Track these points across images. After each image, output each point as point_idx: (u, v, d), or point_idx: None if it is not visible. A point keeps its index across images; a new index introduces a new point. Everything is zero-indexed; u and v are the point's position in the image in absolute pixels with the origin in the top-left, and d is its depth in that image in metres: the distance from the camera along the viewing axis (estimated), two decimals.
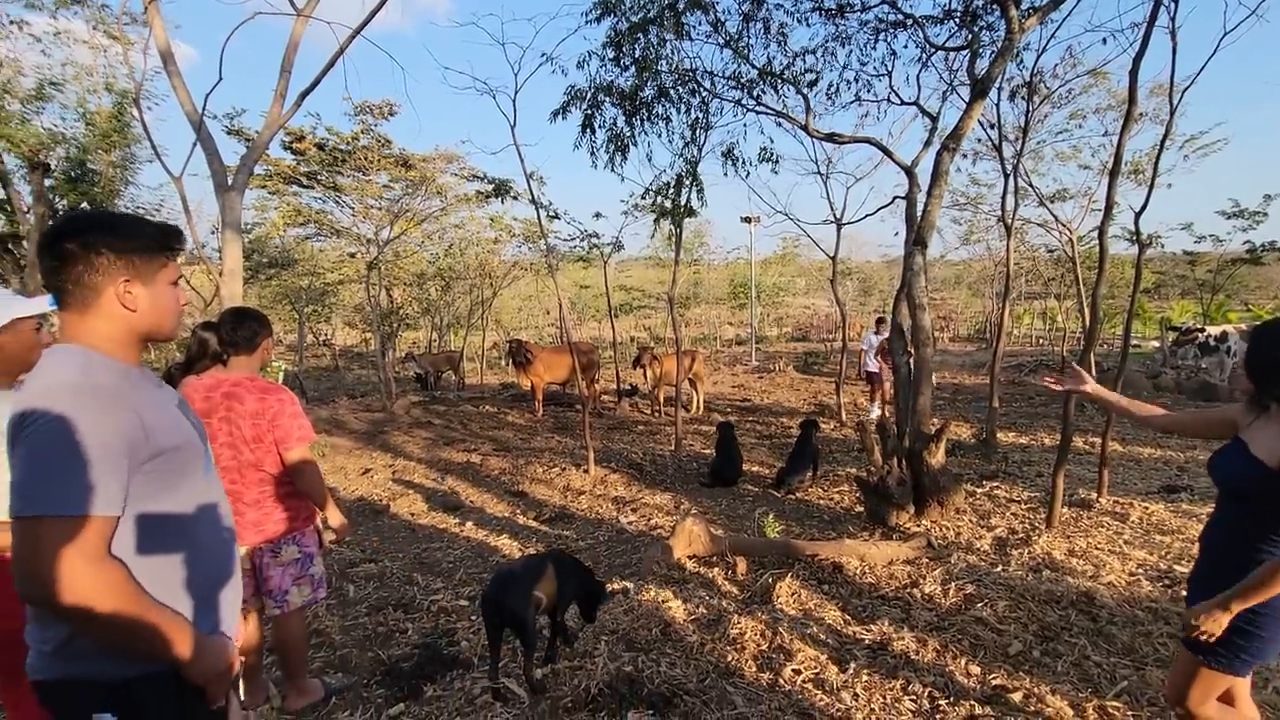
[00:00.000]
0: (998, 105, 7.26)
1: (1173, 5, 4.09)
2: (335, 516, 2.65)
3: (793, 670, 2.75)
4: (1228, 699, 1.88)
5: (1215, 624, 1.65)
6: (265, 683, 2.79)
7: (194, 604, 1.24)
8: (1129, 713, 2.43)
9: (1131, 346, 5.53)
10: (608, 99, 6.24)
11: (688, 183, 7.02)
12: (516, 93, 6.26)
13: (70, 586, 1.03)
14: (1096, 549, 4.03)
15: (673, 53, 6.07)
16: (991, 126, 7.69)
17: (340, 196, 12.99)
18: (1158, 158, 4.89)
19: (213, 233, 9.58)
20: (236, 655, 1.31)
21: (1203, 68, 4.64)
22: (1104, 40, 5.74)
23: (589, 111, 6.32)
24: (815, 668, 2.78)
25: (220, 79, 5.24)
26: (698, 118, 6.66)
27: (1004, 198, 7.68)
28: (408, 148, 12.41)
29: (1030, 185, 9.59)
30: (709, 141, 7.07)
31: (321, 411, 10.59)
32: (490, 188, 8.76)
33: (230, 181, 4.42)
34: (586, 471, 6.90)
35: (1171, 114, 4.79)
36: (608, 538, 5.11)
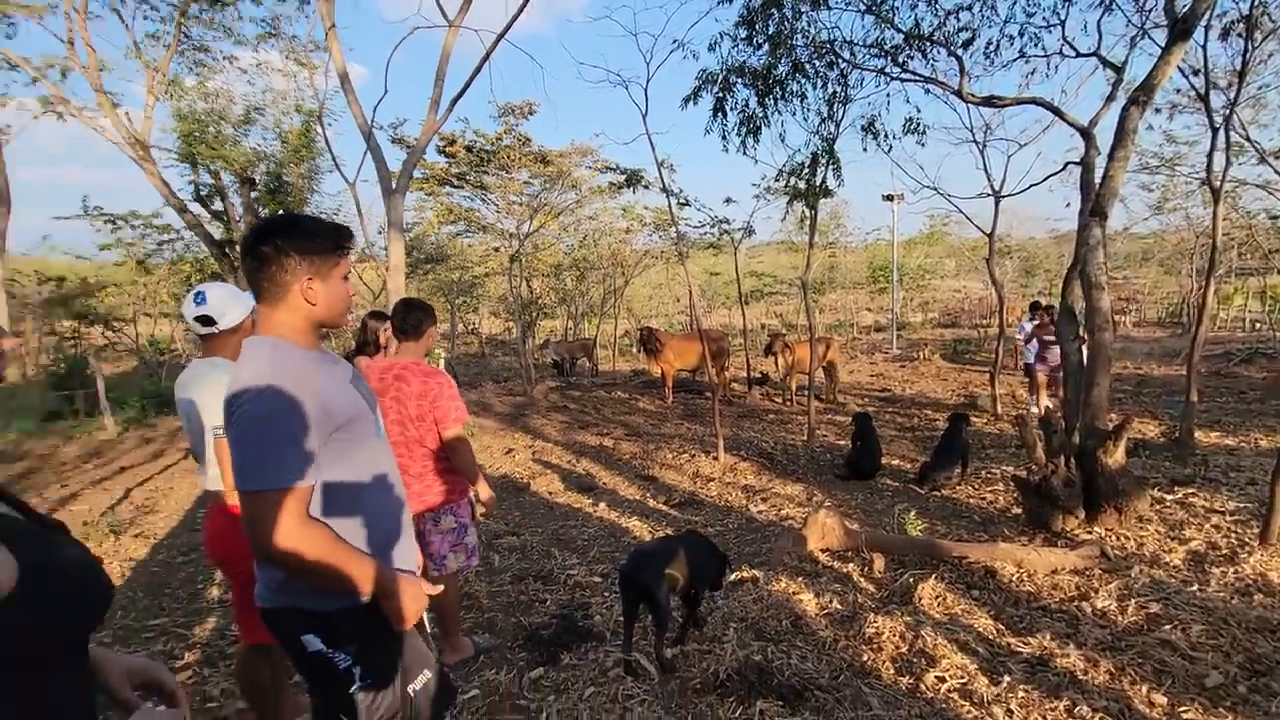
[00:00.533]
0: (1204, 47, 6.14)
1: None
2: (485, 491, 2.87)
3: (936, 677, 2.57)
4: None
5: None
6: (427, 636, 3.10)
7: (371, 554, 1.41)
8: None
9: None
10: (739, 80, 6.10)
11: (823, 161, 6.70)
12: (648, 82, 6.32)
13: (285, 545, 1.23)
14: None
15: (809, 25, 5.79)
16: (1195, 73, 6.55)
17: (486, 194, 13.93)
18: None
19: (379, 232, 10.67)
20: (424, 593, 1.48)
21: None
22: None
23: (720, 94, 6.22)
24: (962, 677, 2.58)
25: (386, 92, 5.81)
26: (835, 91, 6.32)
27: (1210, 156, 6.52)
28: (545, 144, 13.02)
29: (1247, 140, 8.06)
30: (847, 116, 6.70)
31: (470, 395, 11.48)
32: (622, 178, 8.94)
33: (394, 185, 4.90)
34: (716, 459, 6.88)
35: None
36: (737, 525, 5.07)
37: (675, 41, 6.11)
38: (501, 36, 5.08)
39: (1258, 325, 18.52)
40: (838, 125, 6.60)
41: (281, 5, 9.87)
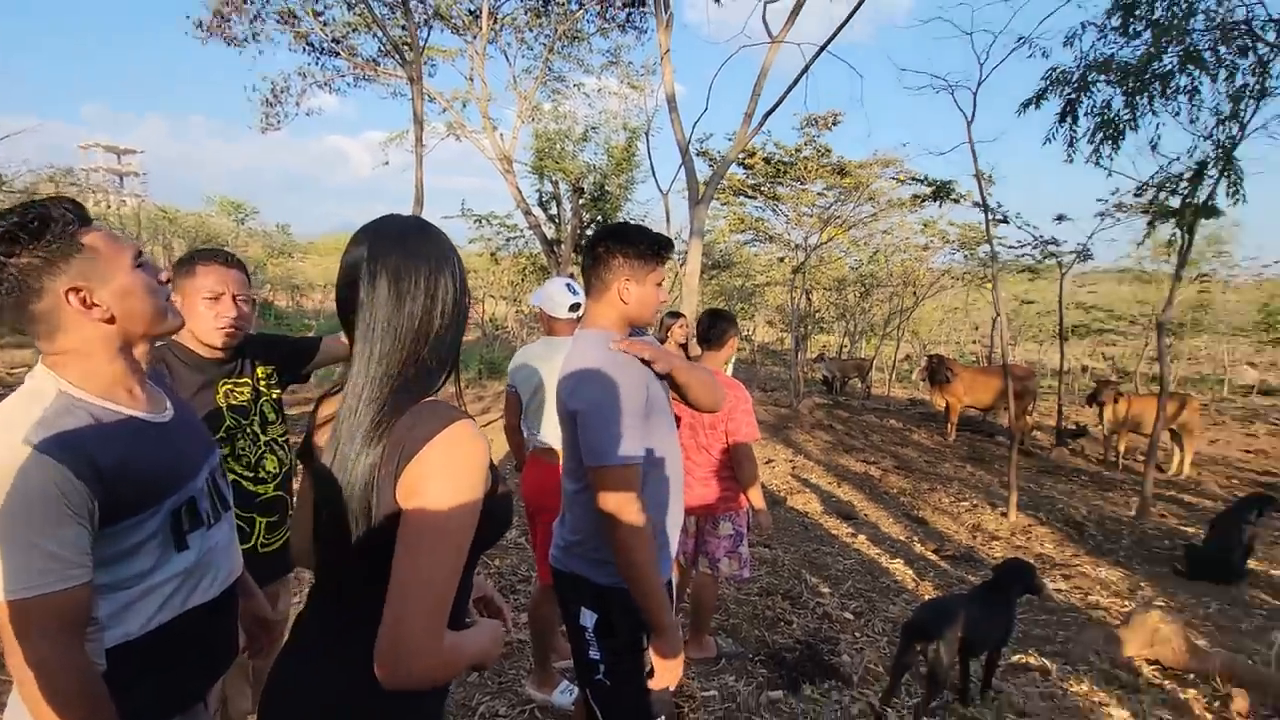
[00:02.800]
0: None
1: None
2: (758, 500, 2.88)
3: None
4: None
5: None
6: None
7: (655, 527, 1.51)
8: None
9: None
10: (1101, 77, 5.09)
11: (1215, 172, 5.24)
12: (979, 85, 5.67)
13: (623, 516, 1.38)
14: None
15: (1217, 3, 4.57)
16: None
17: (778, 205, 14.04)
18: None
19: (677, 236, 11.49)
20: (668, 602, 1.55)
21: None
22: None
23: (1073, 95, 5.27)
24: None
25: (706, 109, 6.25)
26: (1246, 84, 4.89)
27: None
28: (845, 155, 12.60)
29: None
30: (1259, 115, 5.13)
31: None
32: (928, 190, 8.19)
33: (700, 196, 5.23)
34: (1005, 514, 5.95)
35: None
36: (1024, 600, 4.31)
37: (1020, 38, 5.37)
38: (823, 49, 5.04)
39: None
40: (1243, 126, 5.10)
41: (623, 36, 11.19)
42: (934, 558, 5.04)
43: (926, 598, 4.13)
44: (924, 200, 11.15)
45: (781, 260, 16.09)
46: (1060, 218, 7.22)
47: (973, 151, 5.63)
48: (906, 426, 10.82)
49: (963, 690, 2.71)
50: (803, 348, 16.09)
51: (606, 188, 11.06)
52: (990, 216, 6.53)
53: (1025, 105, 5.42)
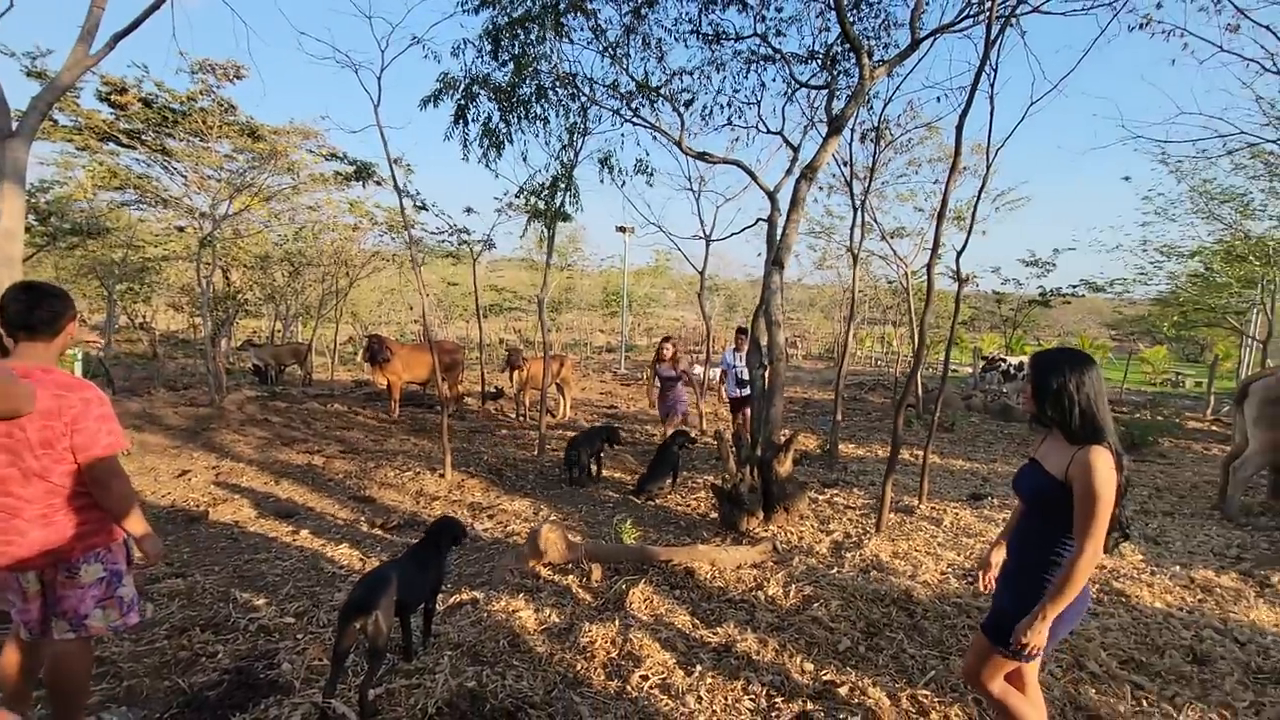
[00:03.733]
0: (850, 145, 7.95)
1: (993, 73, 4.70)
2: (138, 527, 2.24)
3: (640, 676, 2.76)
4: (1018, 680, 2.13)
5: (1039, 636, 1.84)
6: None
7: None
8: (935, 699, 2.69)
9: (950, 371, 6.25)
10: (483, 91, 6.02)
11: (563, 186, 6.95)
12: (383, 70, 5.85)
13: None
14: (915, 551, 4.47)
15: (553, 53, 5.99)
16: (845, 164, 8.40)
17: (170, 162, 11.46)
18: (975, 207, 5.57)
19: None
20: None
21: (1013, 130, 5.39)
22: (938, 99, 6.52)
23: (462, 102, 6.05)
24: (662, 673, 2.81)
25: (11, 5, 4.38)
26: (576, 122, 6.62)
27: (852, 230, 8.41)
28: (256, 117, 11.22)
29: (874, 221, 10.60)
30: (586, 147, 7.07)
31: (132, 405, 9.20)
32: (350, 169, 8.10)
33: (15, 127, 3.69)
34: (442, 476, 6.57)
35: (988, 169, 5.51)
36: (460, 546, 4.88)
37: (415, 37, 5.78)
38: None
39: (878, 362, 24.40)
40: (577, 154, 6.92)
41: None
42: (381, 532, 5.14)
43: None
44: (348, 179, 11.00)
45: (182, 230, 13.29)
46: (469, 210, 8.32)
47: (382, 136, 5.82)
48: (352, 409, 10.66)
49: (406, 647, 2.85)
50: (225, 334, 13.81)
51: None
52: (409, 202, 6.94)
53: (425, 102, 5.94)
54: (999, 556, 2.23)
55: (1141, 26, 5.24)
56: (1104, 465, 1.77)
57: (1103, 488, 1.75)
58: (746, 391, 7.42)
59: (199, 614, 3.43)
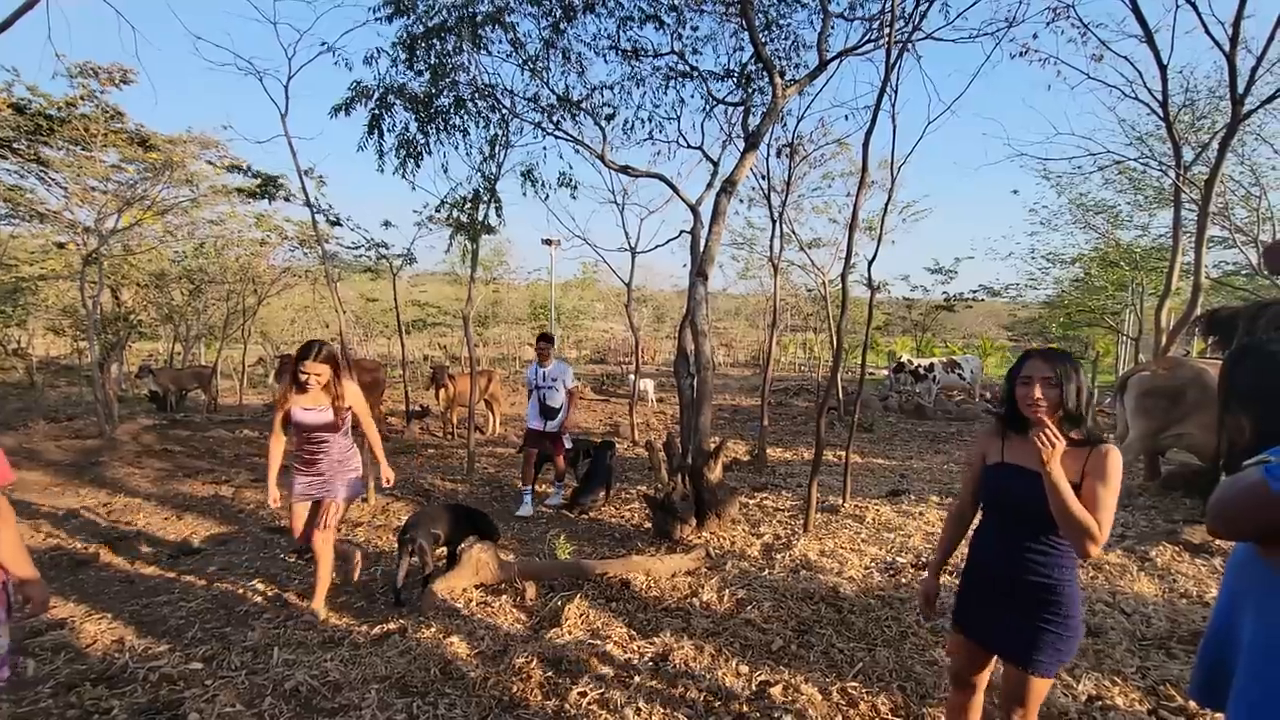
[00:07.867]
0: (767, 160, 8.27)
1: (894, 94, 5.02)
2: (25, 568, 1.99)
3: (578, 693, 2.72)
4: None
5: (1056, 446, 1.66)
6: None
7: None
8: (863, 689, 2.80)
9: (868, 374, 6.56)
10: (399, 101, 5.86)
11: (485, 199, 6.85)
12: (290, 79, 5.59)
13: None
14: (841, 548, 4.65)
15: (471, 64, 5.91)
16: (763, 177, 8.71)
17: (46, 172, 10.48)
18: (883, 218, 5.92)
19: None
20: None
21: (913, 147, 5.76)
22: (845, 117, 6.91)
23: (377, 111, 5.87)
24: (600, 688, 2.78)
25: None
26: (497, 134, 6.55)
27: (772, 241, 8.72)
28: (148, 125, 10.43)
29: (793, 232, 11.02)
30: (509, 159, 7.00)
31: (6, 439, 8.31)
32: (255, 184, 7.65)
33: None
34: (365, 500, 6.28)
35: (893, 183, 5.84)
36: (385, 573, 4.66)
37: (324, 44, 5.56)
38: None
39: (802, 368, 25.31)
40: (499, 166, 6.84)
41: None
42: (300, 561, 4.85)
43: (292, 605, 3.96)
44: (252, 193, 10.39)
45: (62, 246, 12.18)
46: (387, 224, 8.04)
47: (291, 147, 5.55)
48: (263, 435, 10.03)
49: (397, 594, 3.74)
50: (116, 359, 12.71)
51: None
52: (321, 217, 6.63)
53: (336, 110, 5.72)
54: (935, 583, 2.13)
55: (1022, 54, 5.74)
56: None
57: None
58: (553, 425, 5.90)
59: (89, 667, 3.12)
